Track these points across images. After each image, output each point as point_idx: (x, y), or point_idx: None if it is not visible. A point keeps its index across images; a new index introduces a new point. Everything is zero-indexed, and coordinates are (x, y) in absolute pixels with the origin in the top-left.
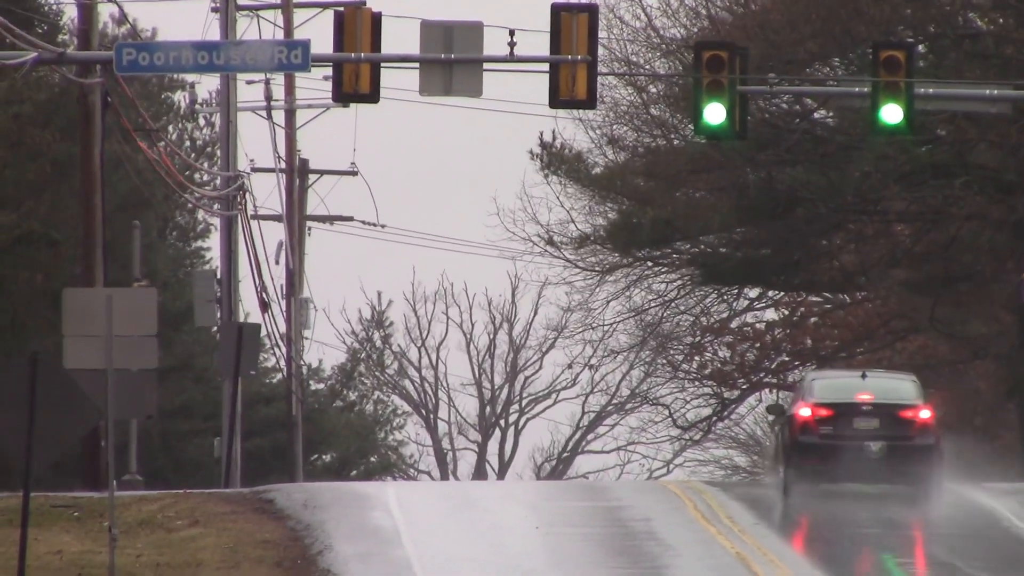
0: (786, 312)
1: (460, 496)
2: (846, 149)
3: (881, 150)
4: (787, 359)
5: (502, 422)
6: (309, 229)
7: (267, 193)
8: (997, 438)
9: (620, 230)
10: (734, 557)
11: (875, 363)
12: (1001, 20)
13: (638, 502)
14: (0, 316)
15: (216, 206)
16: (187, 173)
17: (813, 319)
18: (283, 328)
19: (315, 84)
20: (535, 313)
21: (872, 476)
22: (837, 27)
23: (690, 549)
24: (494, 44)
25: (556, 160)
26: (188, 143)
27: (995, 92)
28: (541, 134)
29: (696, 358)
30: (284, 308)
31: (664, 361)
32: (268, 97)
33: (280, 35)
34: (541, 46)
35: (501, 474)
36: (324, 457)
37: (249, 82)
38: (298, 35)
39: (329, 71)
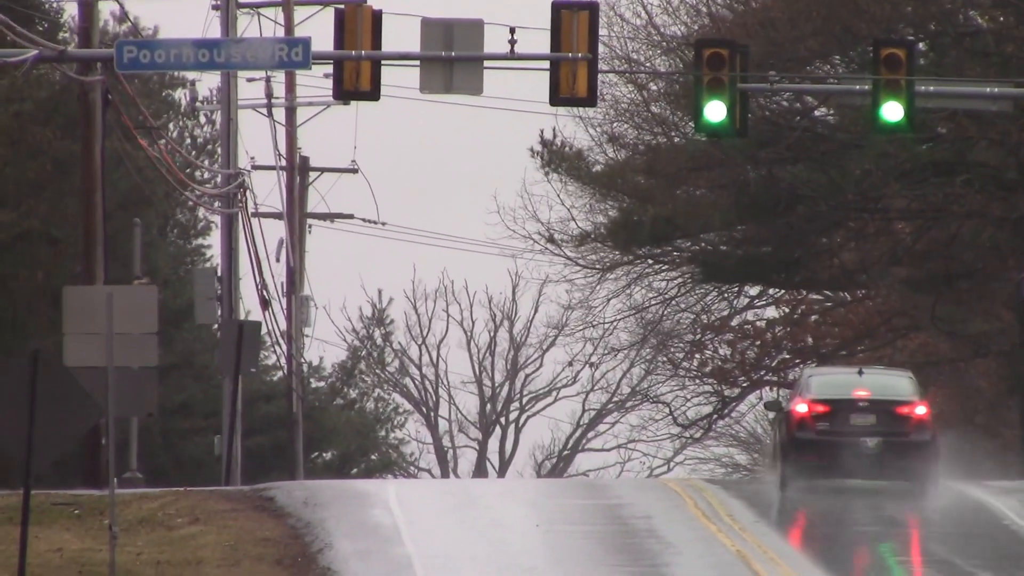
0: (787, 310)
1: (460, 494)
2: (847, 147)
3: (882, 148)
4: (788, 357)
5: (503, 420)
6: (310, 227)
7: (268, 191)
8: (998, 436)
9: (621, 228)
10: (734, 555)
11: (876, 361)
12: (1002, 18)
13: (638, 500)
14: (1, 314)
15: (217, 204)
16: (188, 171)
17: (814, 317)
18: (284, 326)
19: (316, 82)
20: (536, 311)
21: (868, 472)
22: (838, 25)
23: (690, 547)
24: (495, 42)
25: (557, 158)
26: (189, 141)
27: (996, 90)
28: (542, 132)
29: (697, 356)
30: (285, 306)
31: (664, 359)
32: (269, 95)
33: (281, 33)
34: (542, 44)
35: (502, 472)
36: (324, 455)
37: (250, 80)
38: (299, 33)
39: (330, 69)
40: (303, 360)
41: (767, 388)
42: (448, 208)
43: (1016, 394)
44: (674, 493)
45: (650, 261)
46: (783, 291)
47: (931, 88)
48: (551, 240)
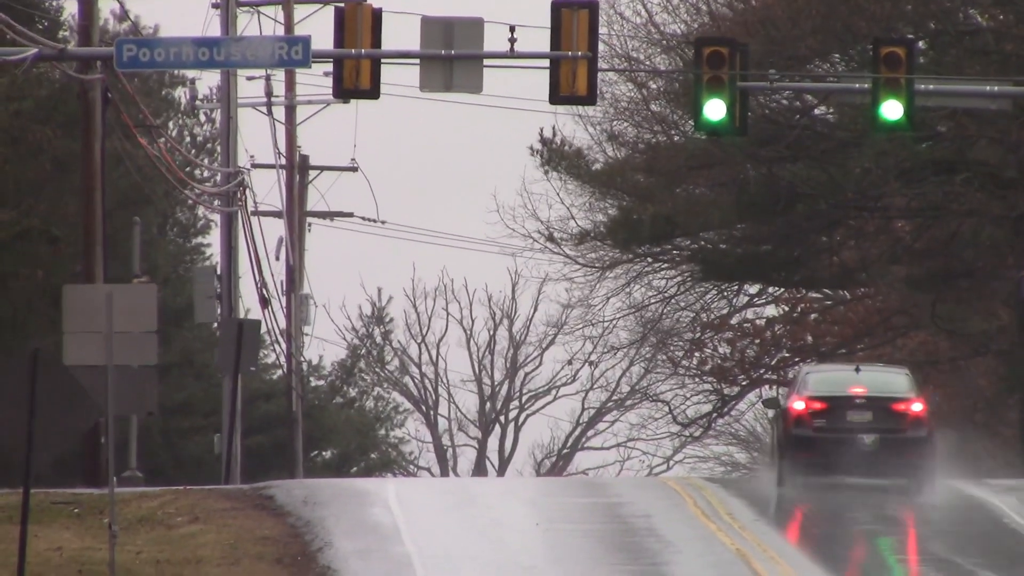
0: (786, 308)
1: (460, 492)
2: (846, 145)
3: (881, 146)
4: (787, 355)
5: (502, 418)
6: (309, 225)
7: (267, 189)
8: (997, 434)
9: (620, 226)
10: (734, 554)
11: (875, 360)
12: (1001, 16)
13: (638, 498)
14: (0, 313)
15: (216, 202)
16: (187, 169)
17: (813, 315)
18: (283, 324)
19: (315, 80)
20: (535, 309)
21: (865, 469)
22: (838, 23)
23: (690, 545)
24: (494, 40)
25: (556, 156)
26: (188, 139)
27: (995, 88)
28: (541, 130)
29: (696, 354)
30: (284, 304)
31: (664, 357)
32: (268, 93)
33: (280, 31)
34: (542, 42)
35: (501, 470)
36: (324, 454)
37: (250, 78)
38: (298, 31)
39: (330, 67)
40: (303, 359)
41: (767, 386)
42: (448, 207)
43: (1015, 393)
44: (674, 492)
45: (650, 259)
46: (783, 289)
47: (931, 86)
48: (551, 239)
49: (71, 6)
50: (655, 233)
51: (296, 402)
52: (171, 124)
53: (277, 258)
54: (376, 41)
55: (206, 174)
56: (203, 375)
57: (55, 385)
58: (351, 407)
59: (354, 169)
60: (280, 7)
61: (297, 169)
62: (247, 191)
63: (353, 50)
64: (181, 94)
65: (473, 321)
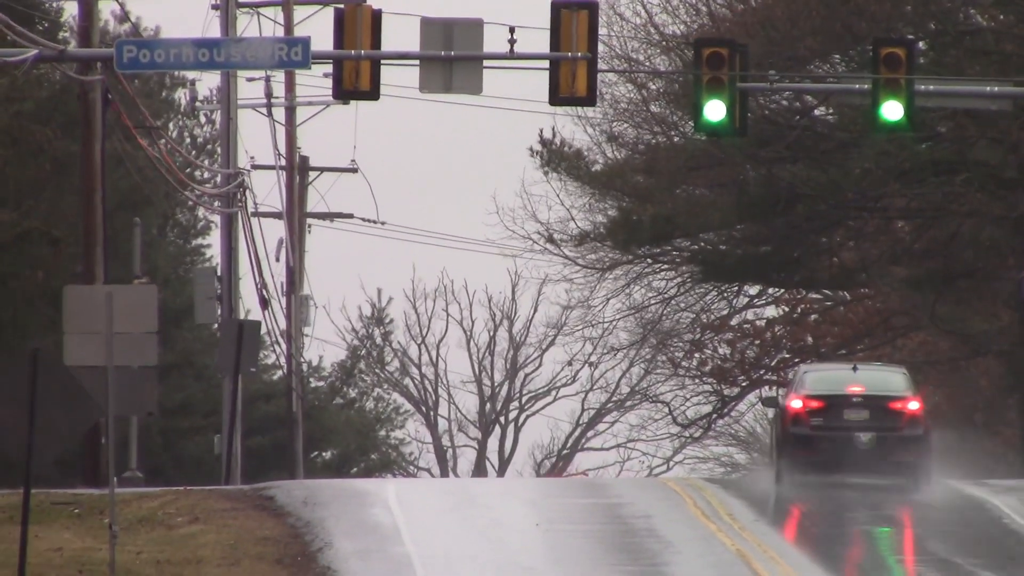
0: (786, 309)
1: (460, 493)
2: (846, 146)
3: (881, 147)
4: (787, 356)
5: (502, 419)
6: (309, 226)
7: (267, 190)
8: (997, 434)
9: (620, 227)
10: (734, 554)
11: (875, 360)
12: (1001, 16)
13: (638, 499)
14: (1, 313)
15: (216, 203)
16: (188, 170)
17: (813, 316)
18: (283, 325)
19: (315, 81)
20: (535, 310)
21: (862, 467)
22: (837, 24)
23: (690, 546)
24: (494, 41)
25: (556, 157)
26: (188, 140)
27: (995, 89)
28: (541, 131)
29: (696, 355)
30: (284, 305)
31: (664, 358)
32: (268, 94)
33: (280, 32)
34: (541, 43)
35: (501, 471)
36: (324, 454)
37: (250, 79)
38: (298, 32)
39: (329, 68)
40: (303, 359)
41: (767, 387)
42: (448, 208)
43: (1015, 393)
44: (673, 492)
45: (649, 260)
46: (783, 290)
47: (931, 87)
48: (550, 240)
49: (71, 7)
50: (655, 234)
51: (296, 403)
52: (171, 125)
53: (277, 259)
54: (376, 42)
55: (206, 175)
56: (203, 376)
57: (55, 385)
58: (351, 408)
59: (354, 170)
60: (280, 8)
61: (297, 170)
62: (247, 192)
63: (353, 51)
64: (181, 95)
65: (473, 322)
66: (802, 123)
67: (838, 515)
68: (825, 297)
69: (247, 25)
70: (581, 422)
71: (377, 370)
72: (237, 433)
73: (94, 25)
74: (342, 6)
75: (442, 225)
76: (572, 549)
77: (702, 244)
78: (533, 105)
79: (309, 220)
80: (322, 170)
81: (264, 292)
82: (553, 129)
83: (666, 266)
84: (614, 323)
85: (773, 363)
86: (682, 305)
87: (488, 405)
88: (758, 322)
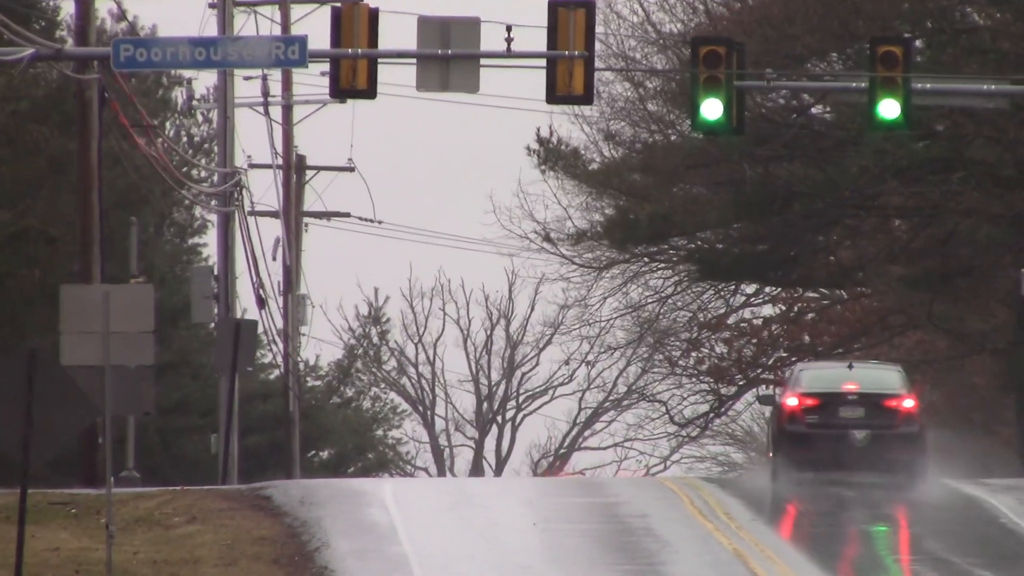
0: (783, 308)
1: (457, 492)
2: (843, 144)
3: (878, 145)
4: (784, 355)
5: (499, 418)
6: (306, 225)
7: (264, 189)
8: (995, 433)
9: (617, 226)
10: (731, 553)
11: (872, 359)
12: (998, 15)
13: (635, 498)
14: None
15: (213, 202)
16: (184, 169)
17: (810, 315)
18: (280, 324)
19: (312, 80)
20: (532, 309)
21: (857, 464)
22: (834, 22)
23: (687, 545)
24: (491, 40)
25: (553, 156)
26: (185, 139)
27: (992, 87)
28: (538, 130)
29: (693, 354)
30: (281, 304)
31: (661, 357)
32: (265, 93)
33: (277, 31)
34: (538, 42)
35: (498, 470)
36: (321, 454)
37: (246, 78)
38: (295, 31)
39: (326, 67)
40: (299, 359)
41: (764, 386)
42: (444, 206)
43: (1013, 391)
44: (671, 491)
45: (646, 259)
46: (780, 289)
47: (928, 85)
48: (547, 239)
49: (68, 6)
50: (652, 233)
51: (293, 402)
52: (168, 124)
53: (274, 258)
54: (373, 41)
55: (203, 174)
56: (200, 375)
57: (52, 385)
58: (348, 407)
59: (351, 169)
60: (277, 7)
61: (294, 169)
62: (244, 191)
63: (350, 50)
64: (178, 94)
65: (470, 321)
66: (799, 121)
67: (835, 514)
68: (822, 296)
69: (244, 24)
70: (578, 421)
71: (374, 369)
72: (234, 432)
73: (91, 24)
74: (339, 5)
75: (439, 224)
76: (569, 548)
77: (699, 243)
78: (530, 104)
79: (306, 219)
80: (319, 169)
81: (261, 291)
82: (550, 128)
83: (663, 265)
84: (611, 322)
85: (770, 362)
86: (679, 304)
87: (485, 404)
88: (755, 321)
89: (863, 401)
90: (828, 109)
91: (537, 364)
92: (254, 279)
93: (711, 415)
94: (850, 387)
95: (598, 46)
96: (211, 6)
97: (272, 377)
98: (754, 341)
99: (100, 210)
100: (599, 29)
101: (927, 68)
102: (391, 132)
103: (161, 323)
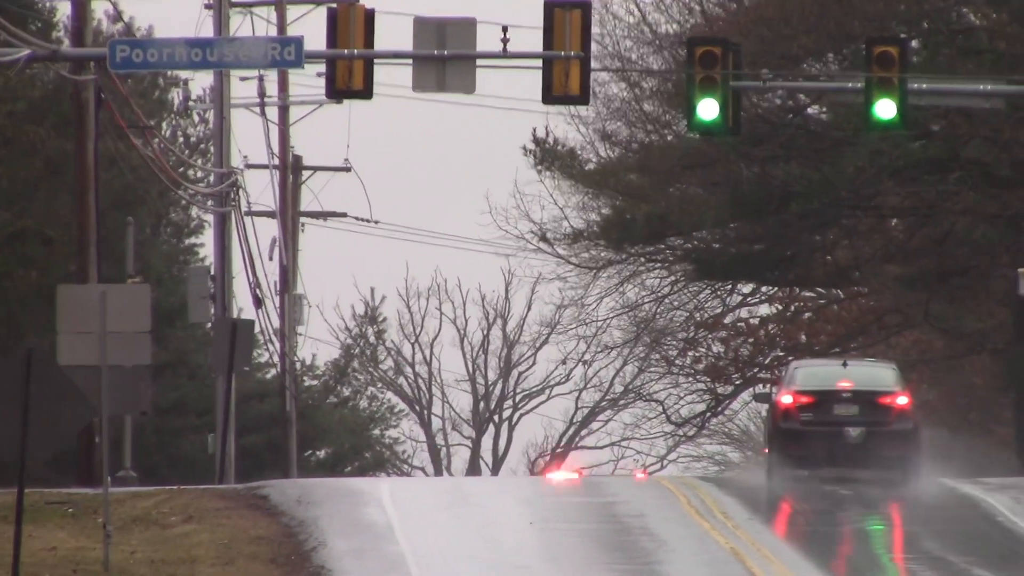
0: (780, 307)
1: (454, 492)
2: (840, 144)
3: (875, 145)
4: (781, 354)
5: (496, 418)
6: (302, 225)
7: (261, 189)
8: (991, 433)
9: (613, 226)
10: (728, 553)
11: (867, 357)
12: (994, 15)
13: (632, 498)
14: None
15: (210, 202)
16: (181, 170)
17: (807, 314)
18: (277, 324)
19: (308, 80)
20: (529, 309)
21: (852, 461)
22: (831, 23)
23: (684, 545)
24: (487, 40)
25: (549, 156)
26: (182, 140)
27: (988, 87)
28: (534, 130)
29: (690, 353)
30: (278, 304)
31: (658, 357)
32: (262, 93)
33: (273, 32)
34: (534, 42)
35: (495, 470)
36: (318, 453)
37: (243, 79)
38: (291, 32)
39: (323, 67)
40: (296, 358)
41: (760, 385)
42: (441, 206)
43: (1010, 391)
44: (668, 491)
45: (643, 259)
46: (776, 288)
47: (924, 85)
48: (544, 239)
49: (64, 7)
50: (648, 233)
51: (290, 402)
52: (164, 125)
53: (271, 258)
54: (369, 41)
55: (199, 174)
56: (197, 375)
57: (49, 385)
58: (345, 407)
59: (347, 169)
60: (273, 8)
61: (290, 169)
62: (240, 191)
63: (346, 50)
64: (174, 95)
65: (467, 321)
66: (795, 122)
67: (832, 513)
68: (819, 295)
69: (240, 24)
70: (575, 421)
71: (371, 369)
72: (231, 432)
73: (87, 25)
74: (335, 5)
75: (435, 224)
76: (566, 548)
77: (695, 243)
78: (526, 104)
79: (302, 219)
80: (315, 169)
81: (257, 291)
82: (546, 128)
83: (659, 265)
84: (608, 322)
85: (767, 361)
86: (676, 303)
87: (482, 404)
88: (752, 320)
89: (857, 398)
90: (824, 109)
91: (534, 364)
92: (251, 279)
93: (708, 414)
94: (844, 384)
95: (594, 47)
96: (207, 7)
97: (269, 377)
98: (751, 341)
99: (97, 211)
100: (595, 30)
101: (923, 68)
102: (387, 132)
103: (158, 323)
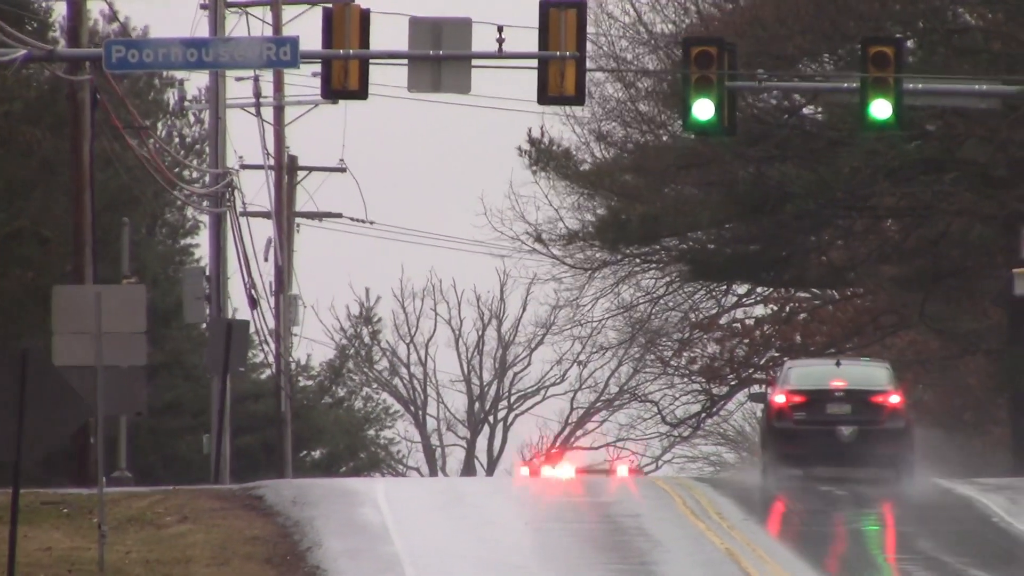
0: (775, 308)
1: (449, 492)
2: (835, 145)
3: (870, 146)
4: (776, 355)
5: (491, 418)
6: (298, 226)
7: (256, 190)
8: (987, 433)
9: (608, 226)
10: (723, 553)
11: (861, 356)
12: (990, 15)
13: (627, 498)
14: None
15: (205, 203)
16: (176, 170)
17: (802, 315)
18: (272, 325)
19: (304, 81)
20: (524, 309)
21: (844, 460)
22: (826, 23)
23: (679, 545)
24: (482, 40)
25: (545, 156)
26: (177, 140)
27: (984, 87)
28: (530, 130)
29: (685, 354)
30: (273, 305)
31: (653, 357)
32: (257, 94)
33: (269, 32)
34: (530, 42)
35: (490, 470)
36: (313, 453)
37: (238, 79)
38: (287, 32)
39: (318, 68)
40: (291, 359)
41: (756, 385)
42: (436, 207)
43: (1005, 391)
44: (663, 491)
45: (638, 260)
46: (771, 289)
47: (919, 86)
48: (539, 239)
49: (60, 7)
50: (643, 233)
51: (285, 402)
52: (160, 125)
53: (266, 259)
54: (364, 42)
55: (195, 175)
56: (192, 375)
57: (44, 385)
58: (340, 407)
59: (342, 170)
60: (268, 8)
61: (286, 170)
62: (236, 192)
63: (341, 51)
64: (170, 95)
65: (462, 321)
66: (791, 122)
67: (827, 513)
68: (814, 296)
69: (235, 25)
70: (570, 421)
71: (366, 369)
72: (226, 432)
73: (83, 25)
74: (330, 6)
75: (431, 225)
76: (561, 548)
77: (691, 243)
78: (522, 104)
79: (298, 219)
80: (311, 169)
81: (253, 292)
82: (542, 128)
83: (655, 265)
84: (603, 322)
85: (762, 362)
86: (671, 304)
87: (477, 404)
88: (747, 321)
89: (850, 397)
90: (820, 110)
91: (529, 364)
92: (246, 279)
93: (703, 415)
94: (837, 384)
95: (589, 47)
96: (203, 7)
97: (264, 377)
98: (746, 341)
99: (92, 211)
100: (590, 30)
101: (919, 68)
102: (383, 133)
103: (153, 324)
